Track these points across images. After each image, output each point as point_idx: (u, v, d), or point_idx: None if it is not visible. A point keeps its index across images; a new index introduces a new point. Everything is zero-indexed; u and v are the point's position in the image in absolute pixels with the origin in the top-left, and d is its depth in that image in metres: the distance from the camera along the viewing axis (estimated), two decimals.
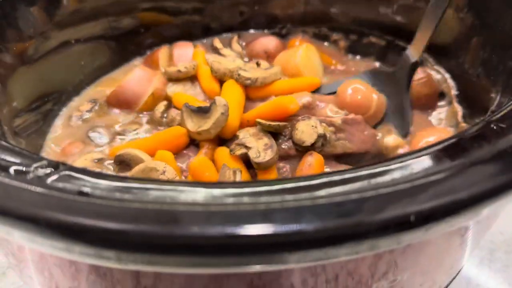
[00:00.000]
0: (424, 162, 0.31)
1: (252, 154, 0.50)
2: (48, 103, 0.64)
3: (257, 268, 0.28)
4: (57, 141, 0.62)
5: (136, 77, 0.63)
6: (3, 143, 0.35)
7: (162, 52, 0.70)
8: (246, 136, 0.53)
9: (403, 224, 0.27)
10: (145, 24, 0.71)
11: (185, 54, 0.69)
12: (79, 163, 0.54)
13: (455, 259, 0.45)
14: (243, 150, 0.51)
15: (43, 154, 0.61)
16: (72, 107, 0.66)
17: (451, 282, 0.50)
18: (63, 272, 0.38)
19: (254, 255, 0.27)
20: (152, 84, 0.63)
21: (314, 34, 0.75)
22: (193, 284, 0.34)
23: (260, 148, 0.51)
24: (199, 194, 0.29)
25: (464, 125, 0.59)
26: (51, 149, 0.61)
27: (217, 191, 0.29)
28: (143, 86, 0.63)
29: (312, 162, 0.50)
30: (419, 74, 0.65)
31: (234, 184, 0.31)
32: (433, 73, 0.67)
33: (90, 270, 0.35)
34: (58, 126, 0.64)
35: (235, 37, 0.74)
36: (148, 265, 0.27)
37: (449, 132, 0.58)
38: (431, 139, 0.55)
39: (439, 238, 0.38)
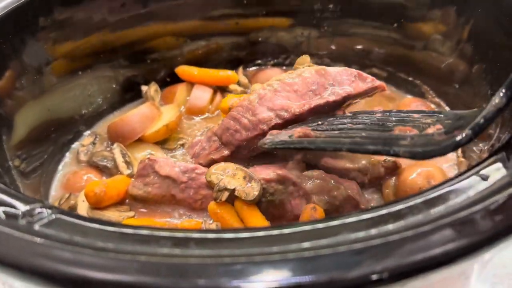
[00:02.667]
0: (401, 216, 0.31)
1: (241, 195, 0.51)
2: (55, 132, 0.65)
3: None
4: (67, 174, 0.64)
5: (139, 113, 0.65)
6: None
7: (180, 89, 0.72)
8: (220, 177, 0.53)
9: (377, 282, 0.28)
10: (153, 56, 0.74)
11: (201, 97, 0.70)
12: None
13: None
14: (227, 193, 0.52)
15: (52, 187, 0.63)
16: (79, 143, 0.69)
17: None
18: None
19: None
20: (169, 117, 0.66)
21: (316, 64, 0.76)
22: None
23: (242, 184, 0.52)
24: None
25: (463, 160, 0.59)
26: (60, 182, 0.63)
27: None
28: (144, 123, 0.64)
29: (316, 217, 0.50)
30: (419, 107, 0.65)
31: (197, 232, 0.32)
32: (433, 105, 0.67)
33: None
34: (67, 162, 0.66)
35: (240, 69, 0.76)
36: None
37: (439, 168, 0.57)
38: (419, 171, 0.55)
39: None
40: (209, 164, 0.58)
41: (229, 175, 0.52)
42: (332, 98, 0.55)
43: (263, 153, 0.57)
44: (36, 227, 0.32)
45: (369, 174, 0.57)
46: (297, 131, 0.50)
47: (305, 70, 0.57)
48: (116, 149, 0.63)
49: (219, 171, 0.53)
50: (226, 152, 0.57)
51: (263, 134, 0.55)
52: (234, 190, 0.51)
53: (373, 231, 0.30)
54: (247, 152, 0.57)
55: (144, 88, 0.73)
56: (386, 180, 0.57)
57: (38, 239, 0.30)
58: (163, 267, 0.28)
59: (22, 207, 0.34)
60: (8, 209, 0.34)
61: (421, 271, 0.28)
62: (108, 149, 0.65)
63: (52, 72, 0.64)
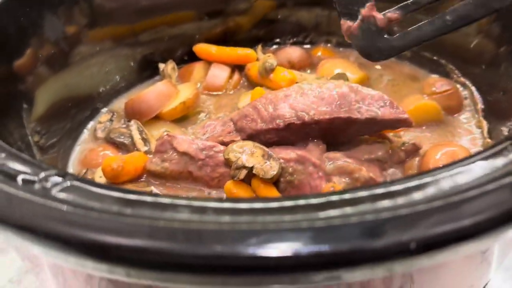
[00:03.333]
0: (429, 186, 0.29)
1: (259, 173, 0.50)
2: (73, 109, 0.65)
3: None
4: (84, 150, 0.64)
5: (156, 91, 0.64)
6: (14, 151, 0.36)
7: (198, 67, 0.72)
8: (238, 155, 0.52)
9: (403, 252, 0.26)
10: (168, 33, 0.73)
11: (219, 75, 0.70)
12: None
13: (475, 278, 0.43)
14: (245, 171, 0.51)
15: (70, 163, 0.63)
16: (96, 120, 0.68)
17: None
18: (76, 277, 0.39)
19: (241, 277, 0.27)
20: (186, 94, 0.65)
21: (337, 43, 0.74)
22: None
23: (261, 163, 0.50)
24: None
25: (489, 141, 0.57)
26: (77, 158, 0.63)
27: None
28: (160, 101, 0.64)
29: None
30: (444, 86, 0.63)
31: (228, 200, 0.31)
32: (458, 85, 0.65)
33: (102, 276, 0.35)
34: (84, 139, 0.66)
35: (259, 47, 0.74)
36: (156, 282, 0.28)
37: (464, 148, 0.55)
38: (444, 151, 0.54)
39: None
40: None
41: (248, 153, 0.51)
42: (354, 116, 0.52)
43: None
44: (52, 192, 0.31)
45: (389, 162, 0.55)
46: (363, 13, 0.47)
47: (340, 83, 0.55)
48: (133, 125, 0.63)
49: (238, 149, 0.52)
50: (237, 138, 0.56)
51: (277, 129, 0.53)
52: (252, 168, 0.50)
53: (400, 201, 0.29)
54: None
55: (161, 66, 0.72)
56: (408, 162, 0.55)
57: (54, 204, 0.30)
58: (181, 232, 0.27)
59: (38, 173, 0.33)
60: (24, 175, 0.33)
61: (450, 242, 0.27)
62: (125, 126, 0.64)
63: (71, 49, 0.63)
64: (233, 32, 0.75)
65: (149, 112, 0.64)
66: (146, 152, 0.60)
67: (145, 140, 0.61)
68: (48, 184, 0.32)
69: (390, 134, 0.57)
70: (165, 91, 0.65)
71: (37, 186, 0.32)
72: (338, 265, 0.26)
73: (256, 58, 0.71)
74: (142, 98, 0.64)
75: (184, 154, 0.55)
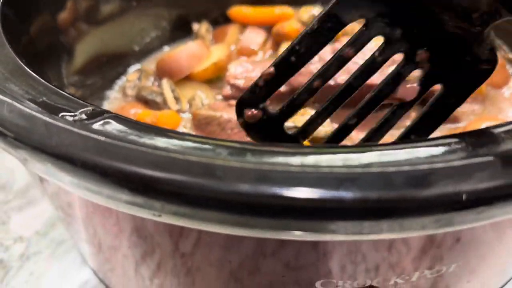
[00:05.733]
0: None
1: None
2: (106, 65, 0.65)
3: (287, 234, 0.26)
4: (114, 107, 0.64)
5: (187, 50, 0.63)
6: (53, 87, 0.36)
7: (232, 29, 0.71)
8: None
9: (453, 204, 0.25)
10: None
11: (254, 39, 0.68)
12: None
13: (506, 262, 0.41)
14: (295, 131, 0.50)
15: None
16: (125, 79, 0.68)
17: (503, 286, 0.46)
18: (106, 231, 0.38)
19: (286, 219, 0.26)
20: (218, 55, 0.64)
21: None
22: (230, 257, 0.34)
23: None
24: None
25: None
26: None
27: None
28: (191, 61, 0.63)
29: None
30: None
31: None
32: (507, 65, 0.62)
33: (132, 231, 0.35)
34: (114, 96, 0.66)
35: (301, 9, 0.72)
36: (180, 218, 0.27)
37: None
38: (487, 124, 0.51)
39: (489, 232, 0.35)
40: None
41: (299, 113, 0.51)
42: None
43: None
44: (91, 125, 0.31)
45: None
46: None
47: None
48: (166, 84, 0.62)
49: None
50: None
51: None
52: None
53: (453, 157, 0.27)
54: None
55: (195, 26, 0.71)
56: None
57: (93, 135, 0.29)
58: (219, 169, 0.27)
59: (77, 108, 0.33)
60: (63, 111, 0.33)
61: (504, 198, 0.25)
62: (156, 84, 0.64)
63: (108, 2, 0.63)
64: None
65: (180, 72, 0.63)
66: (178, 111, 0.59)
67: (177, 99, 0.61)
68: (88, 117, 0.31)
69: None
70: (197, 51, 0.64)
71: (76, 118, 0.31)
72: (387, 214, 0.25)
73: (292, 16, 0.69)
74: (172, 57, 0.63)
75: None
